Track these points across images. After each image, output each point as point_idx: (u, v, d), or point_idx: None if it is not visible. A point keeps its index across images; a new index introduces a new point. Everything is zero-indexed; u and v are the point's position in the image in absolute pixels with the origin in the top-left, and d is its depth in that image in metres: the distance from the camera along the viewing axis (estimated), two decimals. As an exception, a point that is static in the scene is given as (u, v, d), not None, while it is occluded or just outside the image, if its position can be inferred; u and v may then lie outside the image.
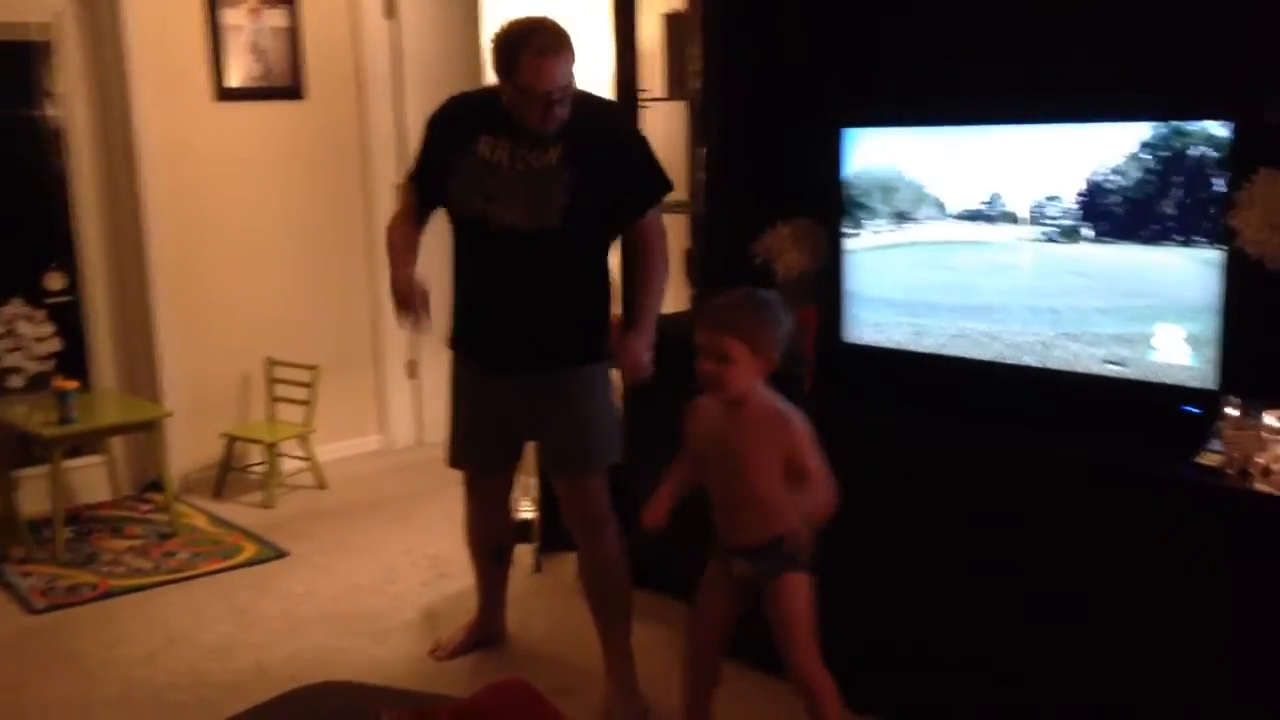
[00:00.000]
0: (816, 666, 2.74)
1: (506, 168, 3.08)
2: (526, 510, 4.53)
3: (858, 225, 3.36)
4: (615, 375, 3.36)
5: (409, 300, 3.11)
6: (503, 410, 3.30)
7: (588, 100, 3.17)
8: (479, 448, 3.41)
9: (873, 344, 3.38)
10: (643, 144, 3.27)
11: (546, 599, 4.03)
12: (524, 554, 4.28)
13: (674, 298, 4.13)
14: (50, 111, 5.03)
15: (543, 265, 3.14)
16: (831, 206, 3.40)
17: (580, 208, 3.09)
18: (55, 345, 5.00)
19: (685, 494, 2.84)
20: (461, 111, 3.24)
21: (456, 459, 3.47)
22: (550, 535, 4.20)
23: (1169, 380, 2.79)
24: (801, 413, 2.68)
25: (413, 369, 5.79)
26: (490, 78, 3.13)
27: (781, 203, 3.57)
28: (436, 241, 3.34)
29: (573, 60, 3.02)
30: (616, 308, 3.50)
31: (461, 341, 3.33)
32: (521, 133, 3.06)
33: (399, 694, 2.38)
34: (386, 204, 5.25)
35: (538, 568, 4.27)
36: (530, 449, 3.52)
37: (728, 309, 2.70)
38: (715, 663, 2.95)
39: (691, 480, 2.84)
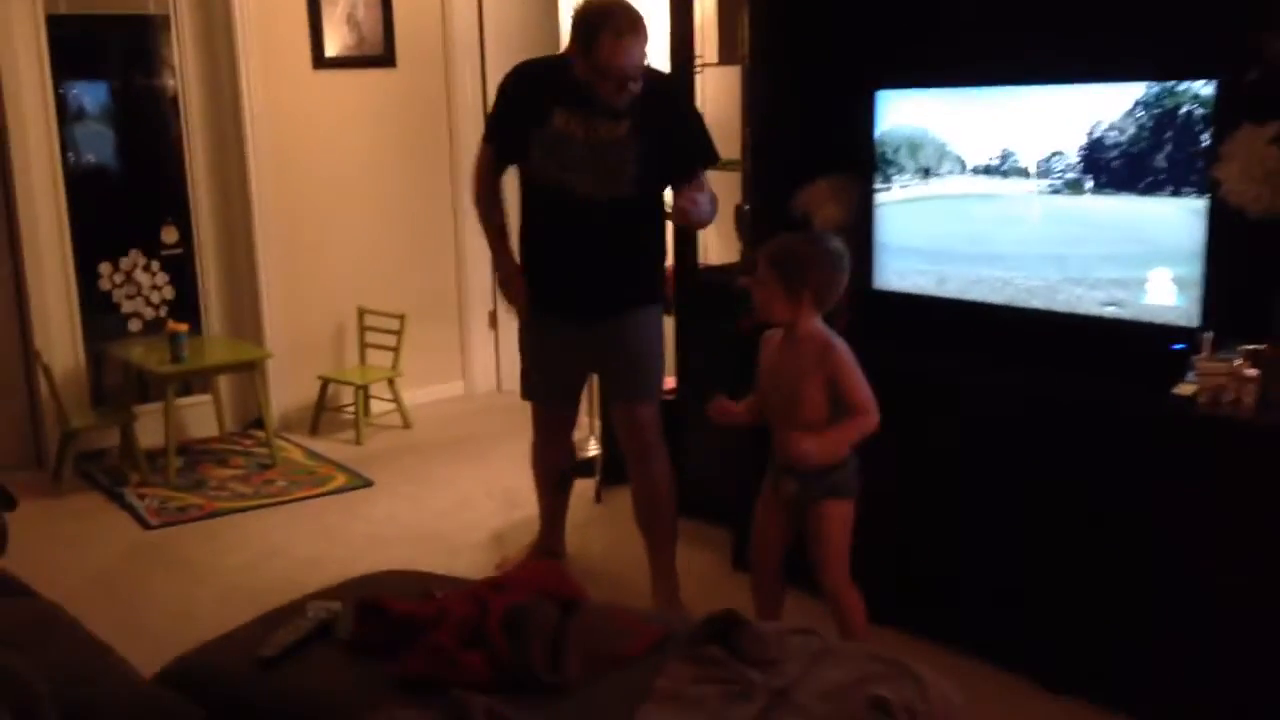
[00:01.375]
0: (847, 585, 3.02)
1: (580, 140, 3.38)
2: (592, 448, 4.91)
3: (888, 180, 3.64)
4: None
5: (516, 299, 3.66)
6: (570, 350, 3.67)
7: (652, 77, 3.42)
8: (548, 384, 3.79)
9: (900, 290, 3.65)
10: (698, 117, 3.58)
11: (605, 526, 4.40)
12: (587, 487, 4.65)
13: (725, 249, 4.46)
14: (167, 80, 5.50)
15: (610, 228, 3.48)
16: (865, 163, 3.68)
17: (648, 176, 3.41)
18: (169, 293, 5.51)
19: (756, 417, 3.12)
20: (533, 82, 3.49)
21: (529, 392, 3.85)
22: (611, 470, 4.55)
23: (1159, 320, 3.04)
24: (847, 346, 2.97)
25: (493, 320, 6.18)
26: (564, 46, 3.45)
27: (821, 160, 3.84)
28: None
29: (647, 41, 3.29)
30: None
31: (535, 292, 3.66)
32: (593, 105, 3.34)
33: (450, 580, 2.75)
34: (470, 165, 5.59)
35: (598, 499, 4.64)
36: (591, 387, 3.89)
37: (777, 243, 3.01)
38: (779, 584, 3.21)
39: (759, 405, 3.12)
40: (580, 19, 3.29)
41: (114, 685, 2.21)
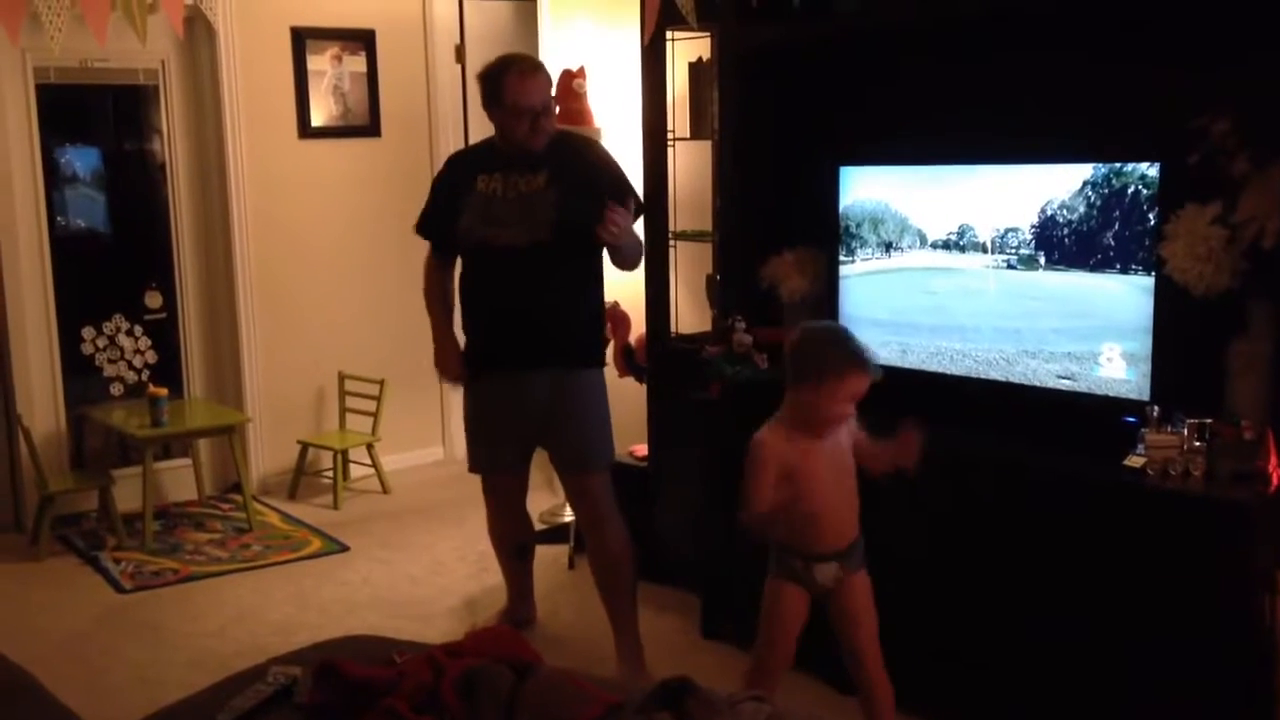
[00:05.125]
0: (882, 667, 2.99)
1: (501, 196, 3.57)
2: (566, 515, 4.95)
3: (851, 253, 3.72)
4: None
5: (449, 370, 3.83)
6: (514, 417, 3.72)
7: (569, 135, 3.71)
8: (495, 453, 3.84)
9: (864, 361, 3.72)
10: (616, 167, 3.72)
11: (575, 592, 4.42)
12: (561, 553, 4.69)
13: (697, 319, 4.53)
14: (156, 146, 5.60)
15: (538, 276, 3.58)
16: (829, 236, 3.76)
17: (568, 222, 3.52)
18: (152, 358, 5.58)
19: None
20: (460, 164, 3.80)
21: (475, 465, 3.91)
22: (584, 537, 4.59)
23: (1111, 393, 3.11)
24: None
25: (474, 386, 6.23)
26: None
27: (788, 232, 3.94)
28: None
29: (549, 83, 3.58)
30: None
31: (474, 357, 3.77)
32: (512, 165, 3.56)
33: (412, 644, 2.78)
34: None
35: (571, 565, 4.67)
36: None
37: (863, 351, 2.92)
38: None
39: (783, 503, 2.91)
40: (485, 74, 3.56)
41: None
